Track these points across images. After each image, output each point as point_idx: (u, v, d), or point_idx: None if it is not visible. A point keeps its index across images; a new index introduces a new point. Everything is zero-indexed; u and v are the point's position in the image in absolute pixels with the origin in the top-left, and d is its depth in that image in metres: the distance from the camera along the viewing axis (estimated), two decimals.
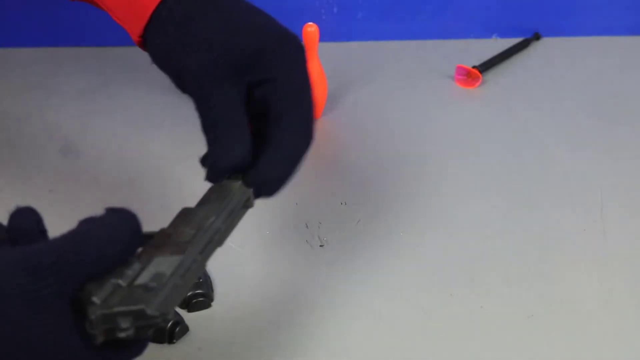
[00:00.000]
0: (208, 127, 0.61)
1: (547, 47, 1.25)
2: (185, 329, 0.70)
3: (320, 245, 0.82)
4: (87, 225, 0.46)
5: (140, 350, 0.48)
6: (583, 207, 0.87)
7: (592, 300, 0.74)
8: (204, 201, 0.56)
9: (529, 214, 0.86)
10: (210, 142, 0.61)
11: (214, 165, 0.60)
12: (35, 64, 1.22)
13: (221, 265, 0.78)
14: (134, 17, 0.64)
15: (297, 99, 0.62)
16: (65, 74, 1.18)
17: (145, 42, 0.65)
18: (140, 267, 0.46)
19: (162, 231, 0.52)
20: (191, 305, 0.73)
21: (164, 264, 0.47)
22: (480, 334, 0.71)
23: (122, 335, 0.44)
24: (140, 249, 0.49)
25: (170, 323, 0.69)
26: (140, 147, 1.00)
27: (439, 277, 0.77)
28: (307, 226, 0.84)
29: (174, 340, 0.70)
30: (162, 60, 0.64)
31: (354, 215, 0.86)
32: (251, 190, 0.58)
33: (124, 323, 0.44)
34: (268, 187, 0.61)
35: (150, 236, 0.51)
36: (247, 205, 0.58)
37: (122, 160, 0.97)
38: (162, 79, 1.19)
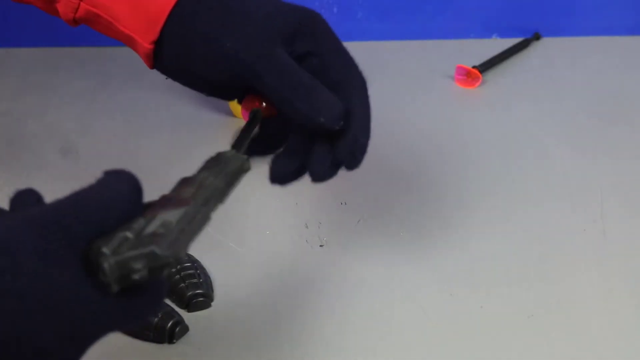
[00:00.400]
0: (292, 86, 0.62)
1: (547, 47, 1.25)
2: (185, 329, 0.70)
3: (320, 245, 0.82)
4: (90, 186, 0.48)
5: (156, 299, 0.48)
6: (583, 207, 0.87)
7: (592, 300, 0.74)
8: (201, 169, 0.57)
9: (529, 213, 0.86)
10: (300, 98, 0.62)
11: (331, 114, 0.62)
12: (35, 64, 1.22)
13: (221, 265, 0.78)
14: (146, 21, 0.64)
15: (350, 67, 0.67)
16: (65, 74, 1.18)
17: (161, 45, 0.65)
18: (146, 222, 0.47)
19: (163, 196, 0.53)
20: (191, 305, 0.73)
21: (169, 215, 0.48)
22: (480, 334, 0.71)
23: (135, 277, 0.44)
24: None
25: (170, 323, 0.69)
26: (140, 147, 1.00)
27: (439, 277, 0.77)
28: (307, 226, 0.84)
29: (174, 340, 0.70)
30: (191, 53, 0.64)
31: (354, 215, 0.86)
32: (246, 156, 0.60)
33: (137, 265, 0.44)
34: (358, 155, 0.65)
35: (152, 203, 0.51)
36: (244, 168, 0.59)
37: (122, 160, 0.96)
38: (162, 79, 1.19)
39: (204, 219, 0.51)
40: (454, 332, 0.71)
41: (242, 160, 0.59)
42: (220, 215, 0.86)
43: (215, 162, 0.58)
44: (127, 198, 0.48)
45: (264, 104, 0.66)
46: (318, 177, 0.65)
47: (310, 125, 0.63)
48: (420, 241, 0.82)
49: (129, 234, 0.46)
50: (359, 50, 1.33)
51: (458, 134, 1.03)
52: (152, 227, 0.47)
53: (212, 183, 0.54)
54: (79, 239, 0.44)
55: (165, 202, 0.52)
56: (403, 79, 1.17)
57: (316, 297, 0.75)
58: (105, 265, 0.44)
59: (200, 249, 0.80)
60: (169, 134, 1.03)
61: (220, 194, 0.55)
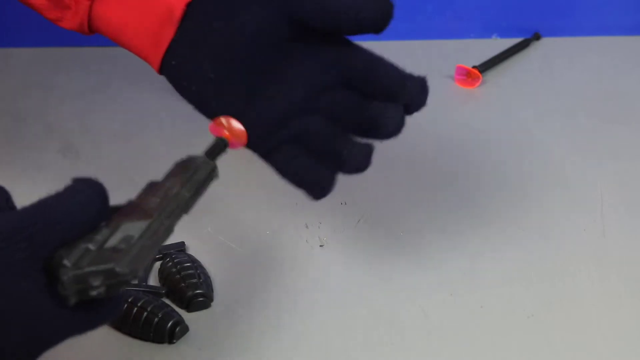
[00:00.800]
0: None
1: (547, 47, 1.25)
2: (185, 329, 0.70)
3: (320, 245, 0.82)
4: (57, 194, 0.48)
5: (113, 311, 0.49)
6: (583, 207, 0.87)
7: (592, 300, 0.74)
8: (169, 175, 0.57)
9: (528, 213, 0.86)
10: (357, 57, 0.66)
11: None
12: (35, 64, 1.22)
13: (221, 265, 0.78)
14: (158, 24, 0.64)
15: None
16: (65, 74, 1.18)
17: (178, 40, 0.65)
18: (109, 232, 0.48)
19: (130, 202, 0.53)
20: (191, 305, 0.73)
21: (132, 228, 0.49)
22: (480, 334, 0.70)
23: (93, 293, 0.45)
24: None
25: (170, 323, 0.69)
26: (140, 147, 1.00)
27: (439, 277, 0.77)
28: (307, 226, 0.84)
29: (174, 340, 0.70)
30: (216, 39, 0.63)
31: (354, 215, 0.86)
32: (214, 163, 0.60)
33: (95, 282, 0.45)
34: (421, 98, 0.69)
35: (118, 208, 0.52)
36: (212, 176, 0.60)
37: (122, 160, 0.97)
38: (162, 79, 1.19)
39: (166, 232, 0.52)
40: (454, 332, 0.71)
41: (211, 167, 0.59)
42: (221, 215, 0.86)
43: (184, 168, 0.58)
44: (93, 206, 0.48)
45: (230, 132, 0.65)
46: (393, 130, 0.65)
47: (354, 26, 0.64)
48: (420, 241, 0.82)
49: (91, 246, 0.46)
50: None
51: (458, 134, 1.03)
52: (114, 241, 0.47)
53: (179, 194, 0.54)
54: (41, 248, 0.45)
55: (130, 210, 0.52)
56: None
57: (316, 297, 0.75)
58: (65, 278, 0.45)
59: (200, 249, 0.80)
60: (169, 134, 1.03)
61: (185, 205, 0.55)
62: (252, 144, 0.65)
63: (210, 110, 0.66)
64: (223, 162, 0.99)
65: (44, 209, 0.47)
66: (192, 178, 0.57)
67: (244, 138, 0.65)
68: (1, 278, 0.43)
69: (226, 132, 0.64)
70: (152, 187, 0.57)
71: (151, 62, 0.67)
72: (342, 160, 0.64)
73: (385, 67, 0.64)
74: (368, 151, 0.65)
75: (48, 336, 0.46)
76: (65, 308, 0.46)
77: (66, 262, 0.45)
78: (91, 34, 0.71)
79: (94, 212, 0.48)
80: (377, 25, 0.62)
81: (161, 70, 0.67)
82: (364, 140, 0.65)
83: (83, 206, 0.48)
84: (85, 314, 0.47)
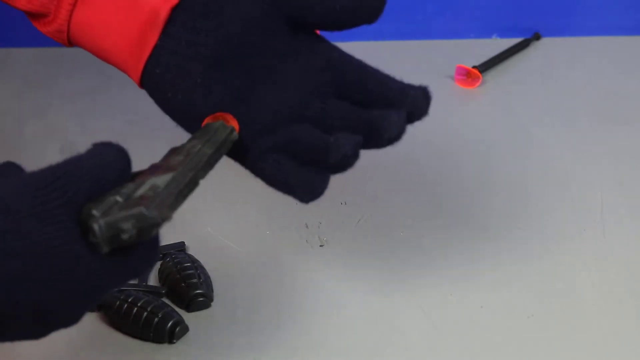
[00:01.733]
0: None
1: (547, 47, 1.25)
2: (185, 329, 0.70)
3: (320, 245, 0.82)
4: (82, 154, 0.49)
5: (148, 255, 0.50)
6: (583, 207, 0.87)
7: (592, 300, 0.74)
8: (189, 140, 0.58)
9: (529, 213, 0.86)
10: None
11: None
12: (35, 64, 1.22)
13: (221, 265, 0.78)
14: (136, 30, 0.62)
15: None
16: (65, 74, 1.18)
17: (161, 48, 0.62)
18: (135, 186, 0.50)
19: (153, 164, 0.56)
20: (191, 305, 0.73)
21: (157, 180, 0.51)
22: (480, 334, 0.70)
23: (125, 237, 0.46)
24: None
25: (170, 323, 0.69)
26: (140, 147, 0.99)
27: (439, 277, 0.77)
28: (307, 226, 0.84)
29: (174, 340, 0.70)
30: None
31: (354, 215, 0.86)
32: (232, 126, 0.59)
33: (126, 225, 0.46)
34: (424, 106, 0.67)
35: (142, 171, 0.54)
36: (231, 137, 0.60)
37: None
38: None
39: (192, 184, 0.53)
40: (454, 332, 0.71)
41: (230, 129, 0.59)
42: (221, 215, 0.86)
43: (203, 132, 0.59)
44: (117, 165, 0.50)
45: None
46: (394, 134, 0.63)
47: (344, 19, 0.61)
48: (420, 241, 0.82)
49: (118, 198, 0.47)
50: (359, 50, 1.33)
51: (458, 134, 1.03)
52: (141, 191, 0.49)
53: (200, 150, 0.56)
54: (73, 200, 0.46)
55: (154, 169, 0.54)
56: (403, 79, 1.17)
57: (316, 297, 0.75)
58: (95, 226, 0.46)
59: (200, 249, 0.80)
60: (169, 134, 1.03)
61: (208, 161, 0.56)
62: (239, 149, 0.62)
63: (197, 116, 0.62)
64: (223, 163, 0.99)
65: (73, 163, 0.48)
66: (212, 138, 0.58)
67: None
68: (37, 229, 0.43)
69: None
70: (174, 150, 0.58)
71: (132, 72, 0.64)
72: (329, 153, 0.60)
73: (383, 76, 0.63)
74: (356, 141, 0.60)
75: (89, 287, 0.46)
76: (99, 256, 0.46)
77: (95, 212, 0.46)
78: (70, 46, 0.68)
79: (118, 169, 0.50)
80: (371, 15, 0.60)
81: (142, 81, 0.64)
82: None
83: (108, 164, 0.49)
84: (122, 261, 0.48)
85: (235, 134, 0.60)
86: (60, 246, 0.44)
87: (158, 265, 0.78)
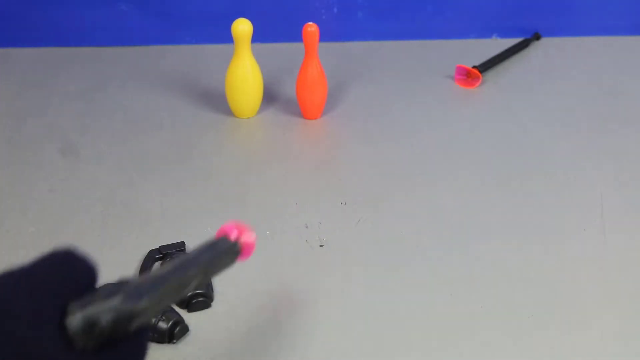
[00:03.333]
0: None
1: (547, 47, 1.26)
2: (185, 329, 0.70)
3: (320, 245, 0.82)
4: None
5: (135, 353, 0.48)
6: (583, 207, 0.87)
7: (592, 300, 0.74)
8: (194, 249, 0.57)
9: (529, 213, 0.86)
10: None
11: None
12: (35, 64, 1.22)
13: None
14: None
15: None
16: (65, 74, 1.18)
17: None
18: (118, 285, 0.48)
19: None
20: (191, 305, 0.73)
21: (146, 277, 0.49)
22: (480, 334, 0.71)
23: (100, 328, 0.45)
24: None
25: (170, 323, 0.69)
26: (140, 147, 1.00)
27: (439, 277, 0.77)
28: (307, 226, 0.84)
29: (174, 340, 0.70)
30: None
31: (354, 215, 0.86)
32: (237, 243, 0.57)
33: (102, 317, 0.46)
34: None
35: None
36: (235, 251, 0.57)
37: (122, 160, 0.97)
38: (162, 79, 1.19)
39: (180, 285, 0.50)
40: (454, 332, 0.71)
41: (232, 245, 0.57)
42: (221, 215, 0.86)
43: (208, 243, 0.57)
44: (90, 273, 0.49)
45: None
46: None
47: None
48: (420, 241, 0.82)
49: (99, 295, 0.47)
50: (359, 50, 1.34)
51: (458, 134, 1.03)
52: (121, 287, 0.47)
53: (196, 258, 0.53)
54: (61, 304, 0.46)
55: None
56: (403, 79, 1.17)
57: (316, 297, 0.75)
58: (70, 320, 0.45)
59: None
60: (169, 134, 1.03)
61: (201, 268, 0.53)
62: None
63: None
64: (223, 162, 0.99)
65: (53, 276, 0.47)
66: (212, 249, 0.56)
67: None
68: (28, 332, 0.44)
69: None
70: (174, 255, 0.57)
71: None
72: None
73: None
74: None
75: None
76: (80, 353, 0.45)
77: (73, 307, 0.46)
78: None
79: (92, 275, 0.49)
80: None
81: None
82: None
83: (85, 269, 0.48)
84: (107, 357, 0.47)
85: (238, 248, 0.58)
86: (49, 348, 0.44)
87: (158, 265, 0.78)
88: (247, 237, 0.58)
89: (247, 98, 1.05)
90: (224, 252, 0.56)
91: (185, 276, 0.51)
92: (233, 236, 0.58)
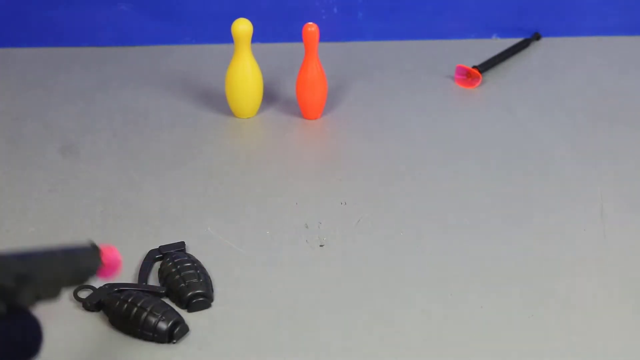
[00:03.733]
0: None
1: (547, 47, 1.25)
2: (185, 329, 0.70)
3: (320, 245, 0.82)
4: None
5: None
6: (583, 207, 0.87)
7: (592, 300, 0.74)
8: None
9: (529, 213, 0.86)
10: None
11: None
12: (35, 63, 1.22)
13: (221, 265, 0.78)
14: None
15: None
16: (65, 74, 1.18)
17: None
18: None
19: None
20: (191, 305, 0.73)
21: None
22: (480, 334, 0.70)
23: None
24: None
25: (170, 323, 0.69)
26: (140, 147, 1.00)
27: (439, 277, 0.77)
28: (307, 226, 0.84)
29: (174, 340, 0.70)
30: None
31: (354, 215, 0.86)
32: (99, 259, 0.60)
33: None
34: None
35: None
36: (91, 265, 0.61)
37: (122, 160, 0.97)
38: (162, 79, 1.19)
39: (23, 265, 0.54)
40: (454, 332, 0.71)
41: (94, 259, 0.60)
42: (221, 215, 0.86)
43: (79, 248, 0.60)
44: None
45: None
46: None
47: None
48: (420, 241, 0.82)
49: None
50: (359, 50, 1.34)
51: (458, 134, 1.03)
52: None
53: (58, 255, 0.57)
54: None
55: None
56: (403, 79, 1.17)
57: (316, 297, 0.75)
58: None
59: (200, 249, 0.80)
60: (169, 134, 1.03)
61: (55, 256, 0.57)
62: None
63: None
64: (223, 162, 0.99)
65: None
66: (76, 254, 0.59)
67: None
68: None
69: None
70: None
71: None
72: None
73: None
74: None
75: None
76: None
77: None
78: None
79: None
80: None
81: None
82: None
83: None
84: None
85: (99, 266, 0.60)
86: None
87: (158, 265, 0.78)
88: (110, 253, 0.61)
89: (247, 98, 1.05)
90: (88, 256, 0.59)
91: (51, 257, 0.56)
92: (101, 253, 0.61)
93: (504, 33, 1.29)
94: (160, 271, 0.77)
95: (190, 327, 0.71)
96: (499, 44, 1.23)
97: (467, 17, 1.30)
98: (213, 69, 1.16)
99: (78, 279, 0.60)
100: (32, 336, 0.54)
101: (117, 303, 0.71)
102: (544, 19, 1.29)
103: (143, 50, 1.27)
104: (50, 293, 0.57)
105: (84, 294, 0.73)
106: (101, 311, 0.72)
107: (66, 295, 0.73)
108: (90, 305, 0.73)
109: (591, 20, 1.30)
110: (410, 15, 1.29)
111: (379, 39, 1.29)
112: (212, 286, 0.75)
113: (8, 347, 0.52)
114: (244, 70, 1.03)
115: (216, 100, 1.10)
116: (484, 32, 1.30)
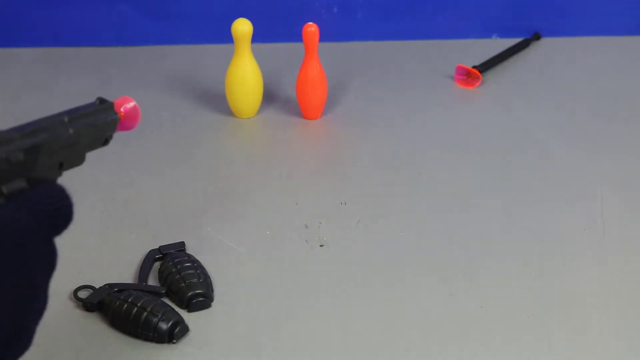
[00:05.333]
0: None
1: (547, 47, 1.26)
2: (185, 329, 0.70)
3: (321, 245, 0.82)
4: None
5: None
6: (583, 206, 0.87)
7: (592, 300, 0.74)
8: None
9: (529, 213, 0.86)
10: None
11: None
12: (36, 63, 1.22)
13: (221, 265, 0.78)
14: None
15: None
16: (65, 74, 1.18)
17: None
18: None
19: None
20: (191, 305, 0.73)
21: None
22: (480, 334, 0.71)
23: None
24: None
25: (170, 323, 0.69)
26: (140, 147, 1.00)
27: (438, 277, 0.77)
28: (307, 226, 0.84)
29: (174, 340, 0.70)
30: None
31: (354, 215, 0.86)
32: (114, 112, 0.62)
33: None
34: None
35: None
36: (108, 120, 0.62)
37: (122, 161, 0.97)
38: (162, 79, 1.19)
39: (50, 125, 0.56)
40: (454, 332, 0.71)
41: (108, 112, 0.62)
42: (221, 215, 0.86)
43: (86, 108, 0.61)
44: None
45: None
46: None
47: None
48: (420, 241, 0.82)
49: None
50: (359, 50, 1.34)
51: (458, 134, 1.03)
52: None
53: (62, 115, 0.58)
54: None
55: None
56: (403, 79, 1.17)
57: (316, 297, 0.75)
58: None
59: (201, 249, 0.80)
60: (169, 134, 1.03)
61: (75, 116, 0.59)
62: None
63: None
64: (223, 162, 0.99)
65: None
66: (83, 112, 0.60)
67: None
68: None
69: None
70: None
71: None
72: None
73: None
74: None
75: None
76: None
77: None
78: None
79: None
80: None
81: None
82: None
83: None
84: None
85: (116, 118, 0.62)
86: None
87: (158, 265, 0.78)
88: (126, 104, 0.61)
89: (247, 98, 1.05)
90: (98, 110, 0.60)
91: (56, 121, 0.57)
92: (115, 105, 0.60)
93: (504, 33, 1.29)
94: (160, 271, 0.77)
95: (190, 327, 0.71)
96: (499, 44, 1.23)
97: (467, 17, 1.30)
98: (213, 68, 1.16)
99: (98, 138, 0.60)
100: (63, 204, 0.57)
101: (117, 303, 0.71)
102: (544, 19, 1.29)
103: (143, 50, 1.27)
104: (72, 159, 0.57)
105: (83, 294, 0.74)
106: (101, 311, 0.72)
107: (66, 295, 0.74)
108: (90, 305, 0.73)
109: (591, 20, 1.30)
110: (411, 15, 1.29)
111: (379, 39, 1.29)
112: (212, 286, 0.75)
113: (42, 218, 0.54)
114: (244, 71, 1.03)
115: (216, 100, 1.10)
116: (484, 32, 1.30)
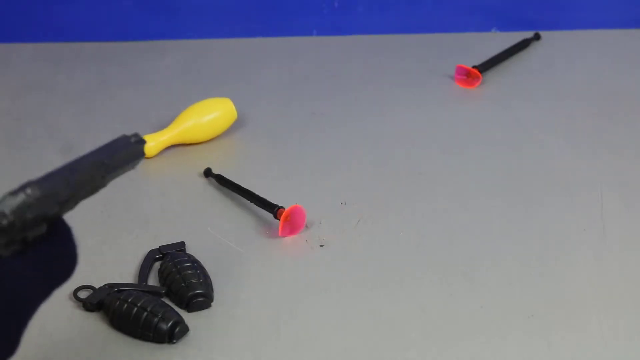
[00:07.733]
0: None
1: (548, 45, 1.25)
2: (185, 329, 0.70)
3: (321, 245, 0.82)
4: None
5: (58, 250, 0.53)
6: (583, 206, 0.87)
7: (592, 300, 0.74)
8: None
9: (529, 213, 0.86)
10: None
11: None
12: (36, 60, 1.21)
13: (221, 265, 0.78)
14: None
15: None
16: (65, 73, 1.18)
17: None
18: None
19: None
20: (191, 305, 0.73)
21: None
22: (480, 334, 0.71)
23: (4, 223, 0.47)
24: None
25: (170, 323, 0.69)
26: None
27: (439, 277, 0.77)
28: (307, 226, 0.84)
29: (174, 340, 0.70)
30: None
31: (354, 215, 0.86)
32: (140, 139, 0.61)
33: (6, 210, 0.48)
34: None
35: None
36: (135, 151, 0.61)
37: None
38: (162, 79, 1.19)
39: (79, 174, 0.55)
40: (453, 332, 0.71)
41: (134, 142, 0.61)
42: (221, 215, 0.86)
43: (110, 143, 0.60)
44: None
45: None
46: None
47: None
48: (420, 241, 0.82)
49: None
50: (359, 44, 1.33)
51: (458, 134, 1.03)
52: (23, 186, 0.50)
53: (92, 154, 0.56)
54: None
55: None
56: (403, 79, 1.17)
57: (316, 297, 0.75)
58: None
59: (201, 249, 0.80)
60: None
61: (97, 163, 0.58)
62: None
63: None
64: (223, 161, 0.99)
65: None
66: (111, 147, 0.60)
67: None
68: None
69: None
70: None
71: None
72: None
73: None
74: None
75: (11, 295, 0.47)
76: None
77: None
78: None
79: None
80: None
81: None
82: None
83: None
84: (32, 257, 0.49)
85: (142, 148, 0.59)
86: None
87: (158, 265, 0.78)
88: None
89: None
90: (124, 146, 0.57)
91: (85, 163, 0.56)
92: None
93: (503, 26, 1.29)
94: (160, 271, 0.77)
95: (190, 327, 0.71)
96: (498, 37, 1.23)
97: (467, 10, 1.29)
98: (215, 65, 1.16)
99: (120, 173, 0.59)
100: (68, 255, 0.54)
101: (117, 303, 0.71)
102: (543, 12, 1.29)
103: (144, 45, 1.26)
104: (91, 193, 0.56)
105: (84, 294, 0.74)
106: (101, 311, 0.72)
107: (66, 295, 0.74)
108: (90, 305, 0.73)
109: (591, 13, 1.30)
110: (410, 8, 1.29)
111: (379, 33, 1.29)
112: (212, 286, 0.75)
113: (46, 268, 0.51)
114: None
115: (218, 95, 1.09)
116: (483, 25, 1.30)
